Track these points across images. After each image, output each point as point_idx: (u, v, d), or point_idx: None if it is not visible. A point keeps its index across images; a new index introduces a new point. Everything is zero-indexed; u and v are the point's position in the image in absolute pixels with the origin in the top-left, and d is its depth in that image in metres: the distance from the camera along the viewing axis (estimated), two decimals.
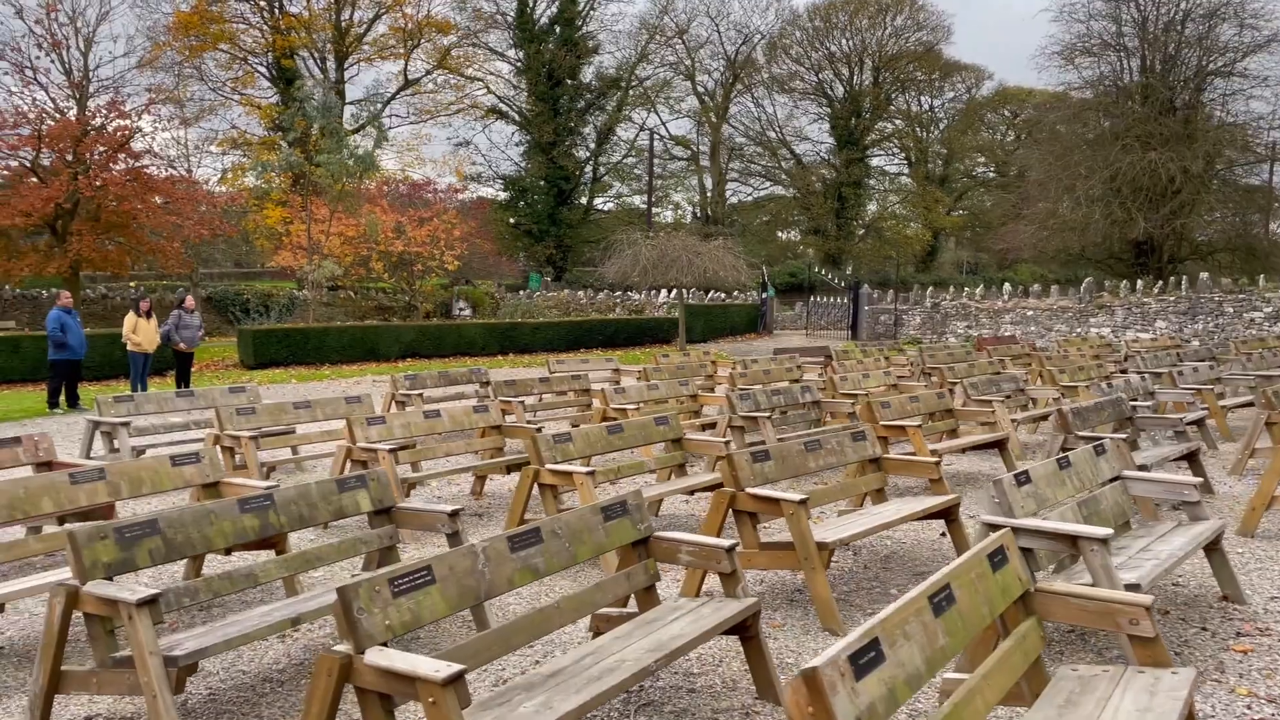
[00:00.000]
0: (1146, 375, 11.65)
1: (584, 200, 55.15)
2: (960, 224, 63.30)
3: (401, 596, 3.18)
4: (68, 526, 5.29)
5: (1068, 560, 4.89)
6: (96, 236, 24.41)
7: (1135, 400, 9.50)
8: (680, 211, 60.66)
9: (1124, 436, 6.26)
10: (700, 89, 58.39)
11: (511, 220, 50.69)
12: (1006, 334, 25.90)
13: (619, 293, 39.28)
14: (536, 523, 3.82)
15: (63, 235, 24.03)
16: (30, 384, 18.64)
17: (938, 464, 6.22)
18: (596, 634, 4.30)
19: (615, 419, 9.96)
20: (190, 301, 16.77)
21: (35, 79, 24.34)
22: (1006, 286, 30.34)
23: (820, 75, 58.61)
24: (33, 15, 24.27)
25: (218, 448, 8.21)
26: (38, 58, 24.35)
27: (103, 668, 3.79)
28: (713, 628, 3.77)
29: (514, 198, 52.16)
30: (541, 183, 50.94)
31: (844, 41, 57.50)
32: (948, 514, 6.03)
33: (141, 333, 15.72)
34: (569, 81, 50.97)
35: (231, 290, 36.93)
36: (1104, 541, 4.20)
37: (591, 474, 6.04)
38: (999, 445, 9.08)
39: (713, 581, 5.43)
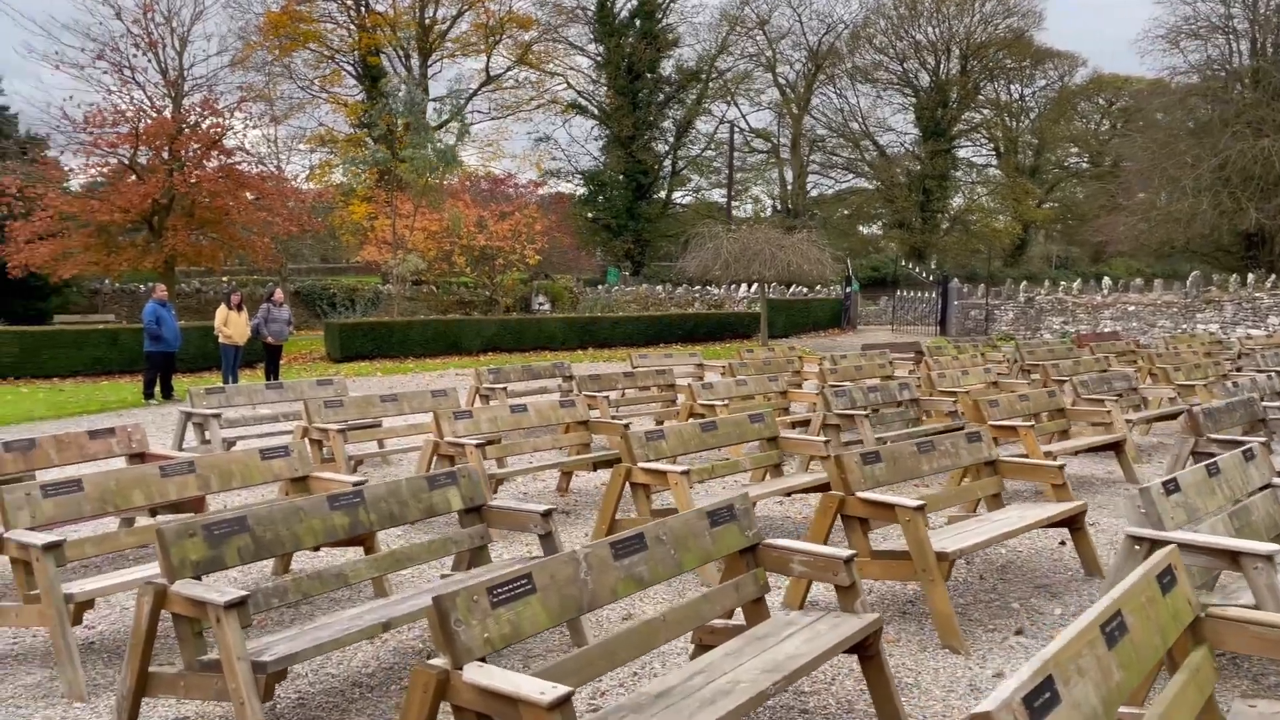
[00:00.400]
0: (1272, 374, 10.87)
1: (662, 194, 54.91)
2: (1051, 217, 61.27)
3: (501, 607, 2.94)
4: (157, 521, 5.24)
5: (1212, 580, 4.46)
6: (191, 232, 25.02)
7: (1265, 400, 8.84)
8: (760, 205, 59.95)
9: (1262, 440, 5.73)
10: (781, 80, 57.57)
11: (590, 215, 50.72)
12: (1107, 330, 24.82)
13: (698, 287, 38.94)
14: (640, 528, 3.55)
15: (159, 230, 24.67)
16: (127, 375, 19.14)
17: (1061, 468, 5.78)
18: (699, 648, 4.01)
19: (703, 415, 9.69)
20: (279, 295, 16.99)
21: (133, 78, 25.05)
22: (1106, 281, 29.11)
23: (905, 64, 57.28)
24: (130, 15, 24.98)
25: (305, 441, 8.18)
26: (135, 57, 25.05)
27: (190, 670, 3.65)
28: (832, 647, 3.45)
29: (592, 192, 52.22)
30: (620, 177, 50.87)
31: (930, 29, 56.07)
32: (1072, 522, 5.59)
33: (232, 325, 15.97)
34: (648, 75, 50.76)
35: (318, 285, 37.64)
36: (1269, 558, 3.76)
37: (686, 474, 5.76)
38: (1114, 448, 8.53)
39: (816, 590, 5.10)
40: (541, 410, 7.99)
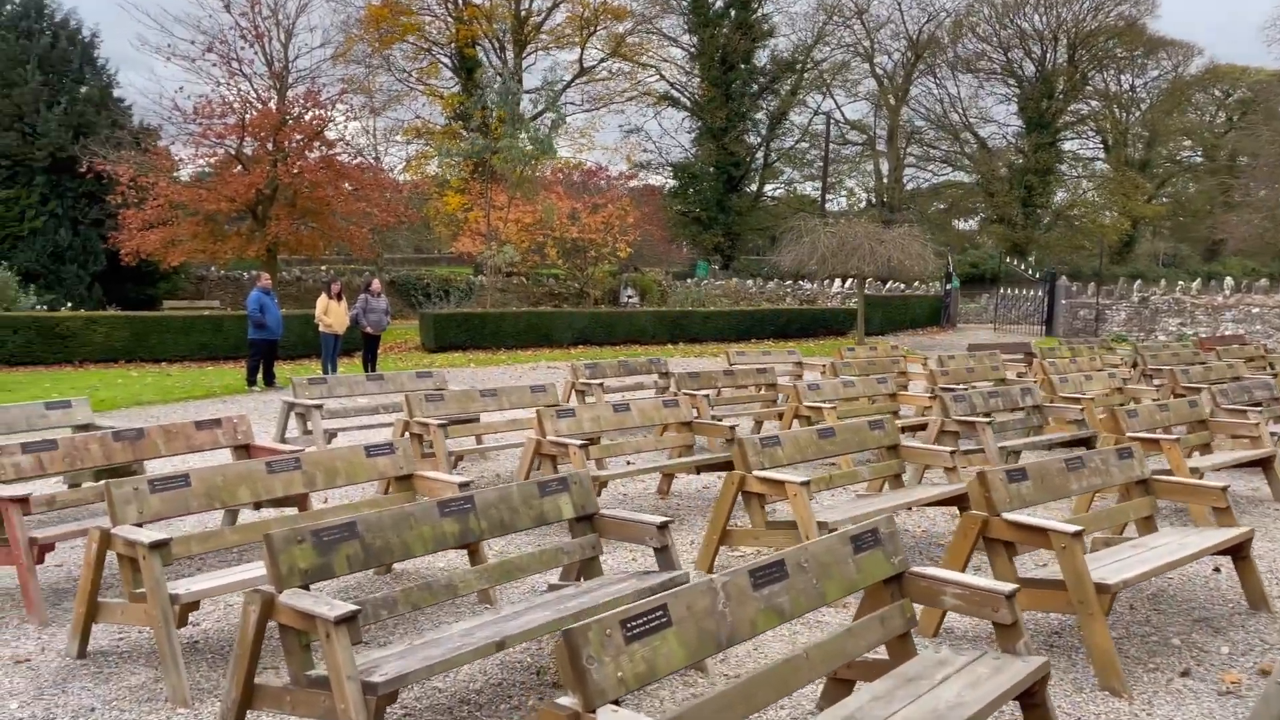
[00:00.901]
0: None
1: (753, 187, 54.21)
2: (1161, 213, 58.49)
3: (635, 642, 2.65)
4: (262, 517, 5.12)
5: None
6: (293, 221, 25.51)
7: None
8: (854, 198, 58.73)
9: None
10: (879, 70, 56.22)
11: (679, 207, 50.37)
12: (1228, 334, 23.43)
13: (789, 282, 38.27)
14: (780, 554, 3.22)
15: (262, 220, 25.22)
16: (230, 361, 19.57)
17: (1224, 490, 5.24)
18: (833, 686, 3.67)
19: (809, 418, 9.29)
20: (376, 285, 17.11)
21: (240, 70, 25.62)
22: (1229, 281, 27.52)
23: (1009, 54, 55.34)
24: (238, 8, 25.55)
25: (406, 436, 8.06)
26: (242, 49, 25.63)
27: (297, 685, 3.46)
28: (999, 696, 3.07)
29: (682, 185, 51.86)
30: (711, 169, 50.37)
31: (1037, 17, 54.04)
32: (1237, 550, 5.06)
33: (332, 314, 16.13)
34: (742, 66, 50.08)
35: (413, 275, 38.16)
36: None
37: (807, 485, 5.40)
38: (1262, 464, 7.86)
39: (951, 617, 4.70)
40: (644, 410, 7.71)
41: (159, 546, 4.20)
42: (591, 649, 2.53)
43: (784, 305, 31.23)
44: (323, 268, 39.14)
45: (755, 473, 5.58)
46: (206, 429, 6.49)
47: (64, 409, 7.41)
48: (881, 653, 3.56)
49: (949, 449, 6.59)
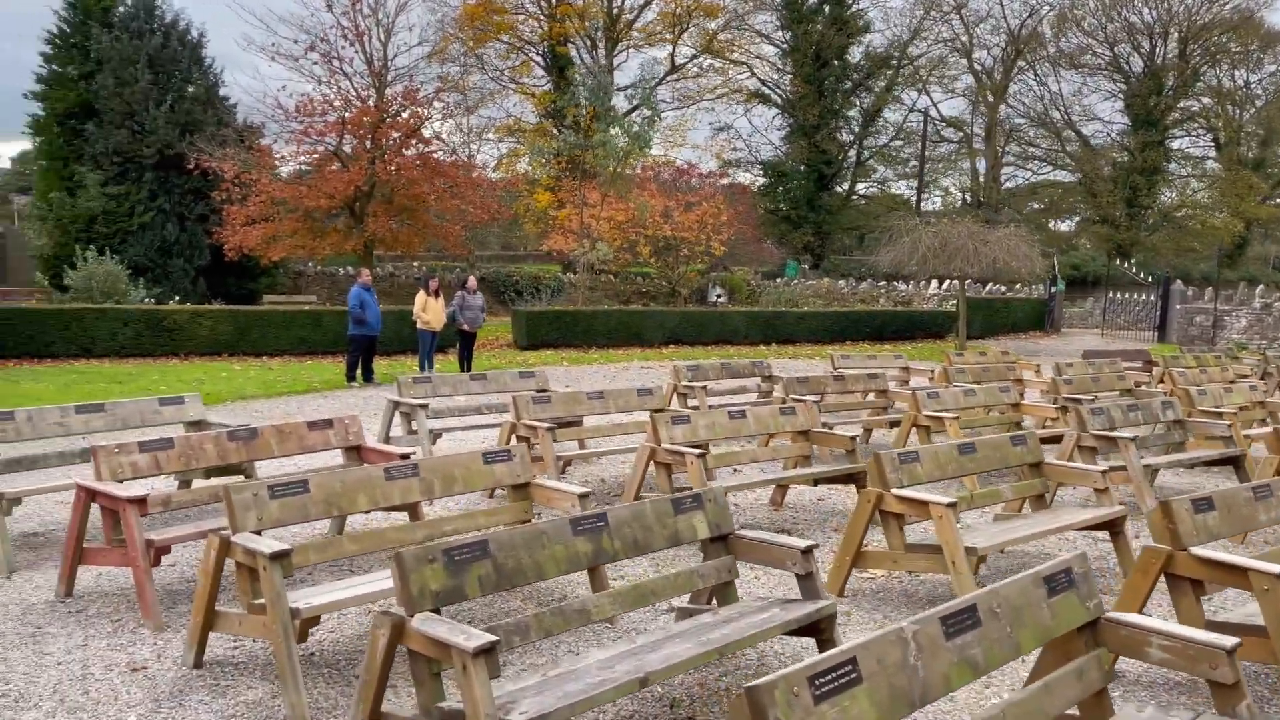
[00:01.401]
0: None
1: (845, 186, 53.19)
2: (1277, 215, 55.49)
3: (824, 702, 2.32)
4: (381, 530, 4.90)
5: None
6: (389, 218, 25.81)
7: None
8: (950, 197, 57.19)
9: None
10: (977, 66, 54.55)
11: (768, 206, 49.69)
12: None
13: (882, 282, 37.36)
14: (970, 598, 2.85)
15: (360, 216, 25.58)
16: (328, 356, 19.82)
17: None
18: None
19: (928, 427, 8.82)
20: (472, 282, 17.09)
21: (341, 69, 26.00)
22: None
23: (1116, 49, 53.11)
24: (340, 7, 25.92)
25: (516, 440, 7.86)
26: (343, 48, 25.99)
27: (426, 718, 3.22)
28: None
29: (772, 183, 51.18)
30: (802, 168, 49.55)
31: (1146, 11, 51.71)
32: None
33: (430, 311, 16.15)
34: (836, 62, 49.14)
35: (503, 272, 38.41)
36: None
37: (953, 506, 4.99)
38: None
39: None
40: (761, 418, 7.36)
41: (280, 557, 4.03)
42: (779, 710, 2.21)
43: (879, 307, 30.44)
44: (414, 264, 39.71)
45: (894, 491, 5.19)
46: (318, 429, 6.37)
47: (177, 405, 7.40)
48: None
49: (1100, 468, 6.08)
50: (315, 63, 25.95)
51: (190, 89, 29.02)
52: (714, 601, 4.41)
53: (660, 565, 6.00)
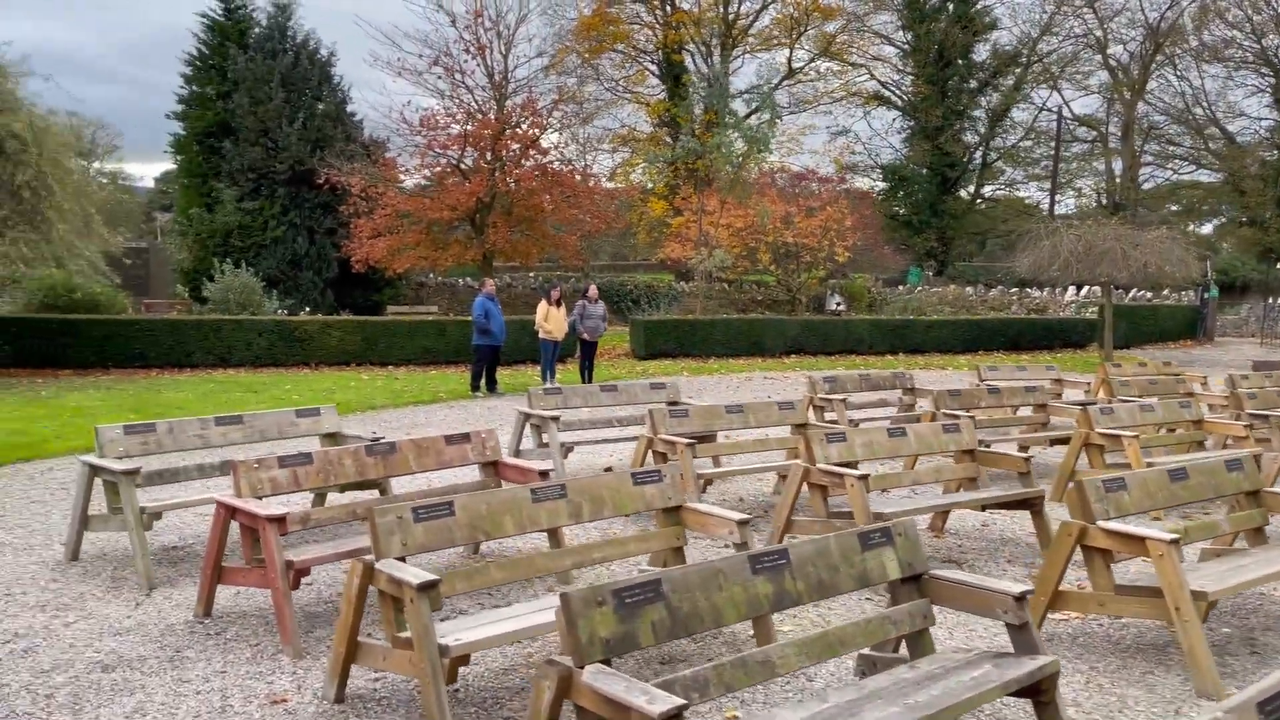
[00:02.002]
0: None
1: (970, 189, 51.31)
2: None
3: None
4: (528, 557, 4.54)
5: None
6: (509, 229, 25.94)
7: None
8: (1084, 198, 54.54)
9: None
10: (1113, 62, 51.87)
11: (889, 211, 48.28)
12: None
13: (1014, 289, 35.73)
14: None
15: (480, 228, 25.79)
16: (451, 365, 19.93)
17: None
18: None
19: (1102, 447, 8.03)
20: (593, 291, 16.87)
21: (463, 82, 26.31)
22: None
23: (1264, 41, 49.69)
24: (463, 22, 26.24)
25: (650, 453, 7.47)
26: (465, 61, 26.28)
27: None
28: None
29: (893, 187, 49.79)
30: (924, 171, 48.02)
31: None
32: None
33: (552, 321, 15.99)
34: (960, 61, 47.51)
35: (616, 281, 38.34)
36: None
37: (1176, 543, 4.32)
38: None
39: None
40: (922, 436, 6.75)
41: (428, 588, 3.69)
42: None
43: (1013, 315, 29.04)
44: (530, 274, 40.04)
45: (1101, 524, 4.55)
46: (456, 444, 6.09)
47: (313, 417, 7.27)
48: None
49: None
50: (439, 77, 26.32)
51: (320, 106, 29.89)
52: (901, 648, 3.88)
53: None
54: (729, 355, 22.66)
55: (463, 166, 26.55)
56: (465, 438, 6.16)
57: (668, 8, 42.15)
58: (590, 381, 16.55)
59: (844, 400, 10.26)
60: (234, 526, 5.13)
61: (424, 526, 4.14)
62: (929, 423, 7.42)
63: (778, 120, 25.01)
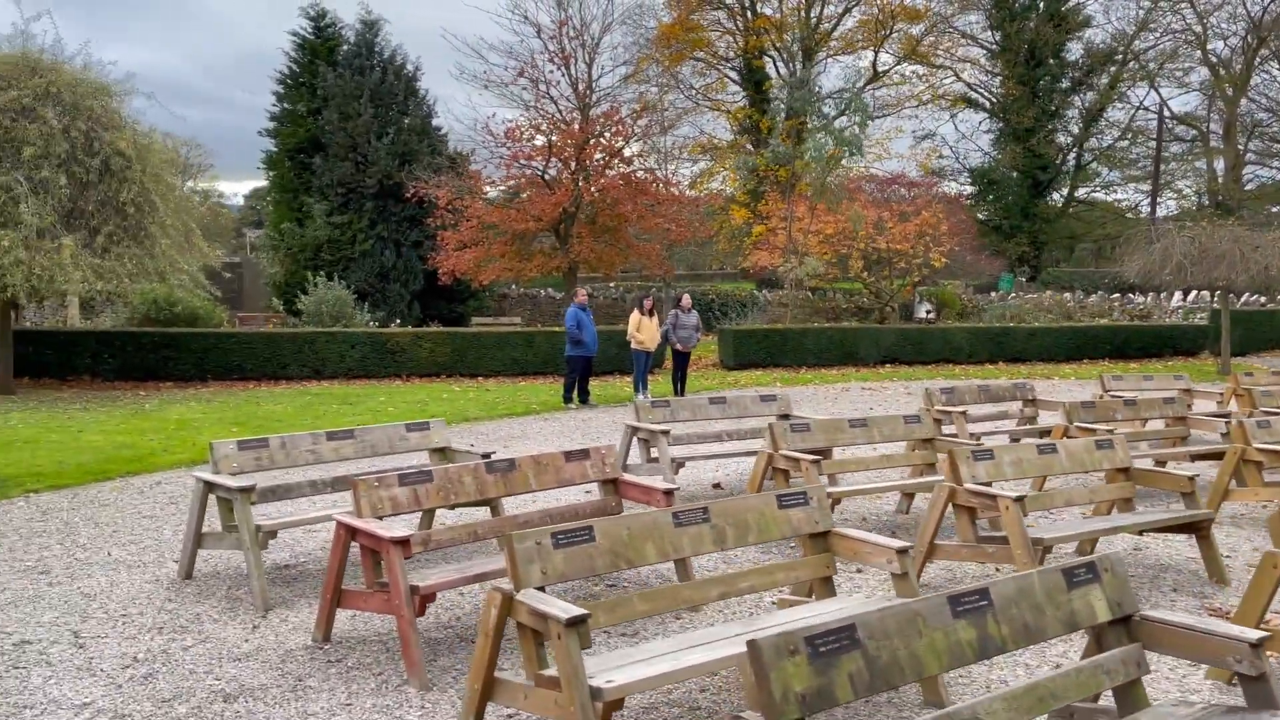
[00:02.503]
0: None
1: (1063, 192, 49.63)
2: None
3: None
4: (675, 586, 4.19)
5: None
6: (593, 238, 25.79)
7: None
8: (1185, 199, 52.31)
9: None
10: (1213, 58, 49.69)
11: (978, 216, 46.93)
12: None
13: (1115, 295, 34.39)
14: None
15: (565, 238, 25.69)
16: (539, 376, 19.78)
17: None
18: None
19: (1260, 463, 7.36)
20: (686, 301, 16.53)
21: (548, 93, 26.30)
22: None
23: None
24: (548, 32, 26.25)
25: (770, 469, 7.08)
26: (550, 72, 26.28)
27: None
28: None
29: (981, 191, 48.42)
30: (1014, 174, 46.61)
31: None
32: None
33: (644, 331, 15.69)
34: (1051, 61, 46.04)
35: (696, 291, 37.90)
36: None
37: None
38: None
39: None
40: (1074, 453, 6.23)
41: (577, 624, 3.37)
42: None
43: (1120, 321, 27.82)
44: (611, 285, 39.91)
45: None
46: (575, 460, 5.80)
47: (422, 431, 7.06)
48: None
49: None
50: (524, 88, 26.34)
51: (406, 121, 30.24)
52: (1121, 714, 3.41)
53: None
54: (820, 365, 22.08)
55: (546, 177, 26.55)
56: (584, 454, 5.86)
57: (749, 13, 41.74)
58: (682, 393, 16.21)
59: (964, 413, 9.72)
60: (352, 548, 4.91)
61: (564, 554, 3.82)
62: (1081, 438, 6.86)
63: (869, 120, 24.23)
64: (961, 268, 35.80)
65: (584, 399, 15.35)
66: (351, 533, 4.89)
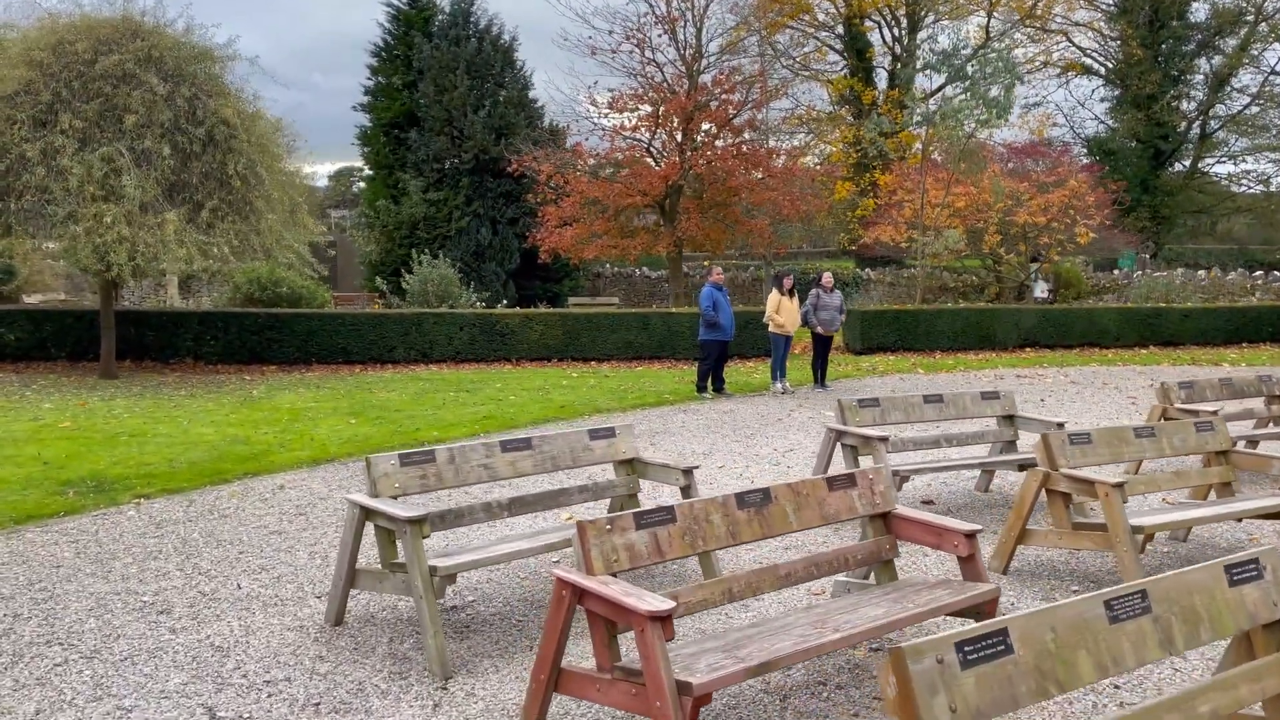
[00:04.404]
0: None
1: (1186, 162, 46.38)
2: None
3: None
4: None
5: None
6: (700, 214, 24.32)
7: None
8: None
9: None
10: None
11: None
12: None
13: (1258, 272, 31.76)
14: None
15: (670, 214, 24.29)
16: (654, 360, 18.48)
17: None
18: None
19: None
20: (828, 279, 15.01)
21: (653, 59, 24.83)
22: None
23: None
24: None
25: (1044, 491, 5.59)
26: (659, 36, 24.82)
27: None
28: None
29: (1097, 162, 45.50)
30: (1133, 144, 43.61)
31: None
32: None
33: (784, 313, 14.24)
34: (1175, 23, 42.83)
35: (798, 270, 36.21)
36: None
37: None
38: None
39: None
40: None
41: None
42: None
43: (1256, 300, 25.37)
44: (704, 263, 38.40)
45: None
46: (839, 489, 4.41)
47: (607, 439, 5.77)
48: None
49: None
50: (630, 53, 24.89)
51: (503, 93, 29.09)
52: None
53: None
54: (955, 349, 20.33)
55: (652, 149, 25.15)
56: (850, 480, 4.47)
57: None
58: (824, 382, 14.73)
59: (1216, 413, 8.06)
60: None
61: (975, 676, 2.44)
62: None
63: (1018, 80, 22.14)
64: (1076, 245, 33.45)
65: (719, 388, 13.96)
66: (579, 594, 3.59)
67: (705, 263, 38.41)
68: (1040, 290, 29.84)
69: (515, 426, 11.06)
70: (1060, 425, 7.39)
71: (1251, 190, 47.79)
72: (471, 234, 28.31)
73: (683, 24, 25.08)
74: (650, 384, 15.01)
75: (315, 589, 5.56)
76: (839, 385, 15.12)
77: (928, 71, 22.58)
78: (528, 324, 18.02)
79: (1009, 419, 7.70)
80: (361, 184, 51.28)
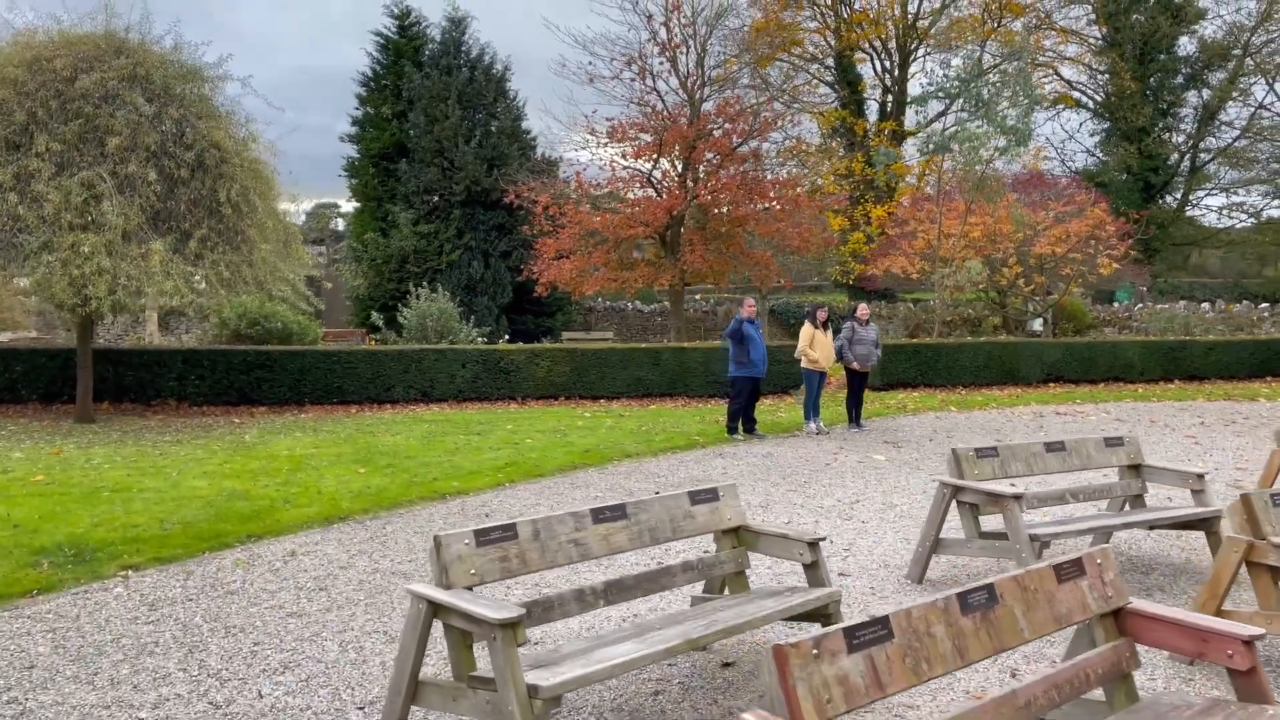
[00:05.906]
0: None
1: (1177, 195, 46.30)
2: None
3: None
4: None
5: None
6: (705, 246, 23.44)
7: None
8: None
9: None
10: None
11: None
12: None
13: (1264, 304, 31.37)
14: None
15: (672, 246, 23.40)
16: (666, 398, 17.50)
17: None
18: None
19: None
20: (864, 311, 14.10)
21: (654, 86, 24.07)
22: None
23: None
24: (659, 18, 24.08)
25: (1244, 564, 4.61)
26: (660, 63, 24.08)
27: None
28: None
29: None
30: (1123, 177, 43.46)
31: None
32: None
33: (819, 347, 13.30)
34: (1163, 56, 42.90)
35: (792, 303, 35.58)
36: None
37: None
38: None
39: None
40: None
41: None
42: None
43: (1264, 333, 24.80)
44: (698, 297, 37.56)
45: None
46: (1069, 580, 3.40)
47: (709, 503, 4.76)
48: None
49: None
50: (631, 80, 24.12)
51: (495, 124, 28.24)
52: None
53: None
54: (977, 384, 19.49)
55: (653, 179, 24.30)
56: (1078, 568, 3.46)
57: (843, 9, 39.33)
58: (859, 421, 13.77)
59: None
60: None
61: None
62: None
63: (1035, 104, 21.49)
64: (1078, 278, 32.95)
65: (749, 429, 12.95)
66: None
67: (700, 296, 37.70)
68: (1036, 324, 29.19)
69: (542, 475, 9.99)
70: (1200, 476, 6.45)
71: (1243, 223, 47.81)
72: (463, 267, 27.30)
73: (684, 51, 24.37)
74: (671, 424, 13.98)
75: (355, 695, 4.46)
76: (873, 424, 14.16)
77: (942, 96, 21.89)
78: (534, 360, 16.96)
79: (1134, 468, 6.74)
80: (340, 220, 50.07)
